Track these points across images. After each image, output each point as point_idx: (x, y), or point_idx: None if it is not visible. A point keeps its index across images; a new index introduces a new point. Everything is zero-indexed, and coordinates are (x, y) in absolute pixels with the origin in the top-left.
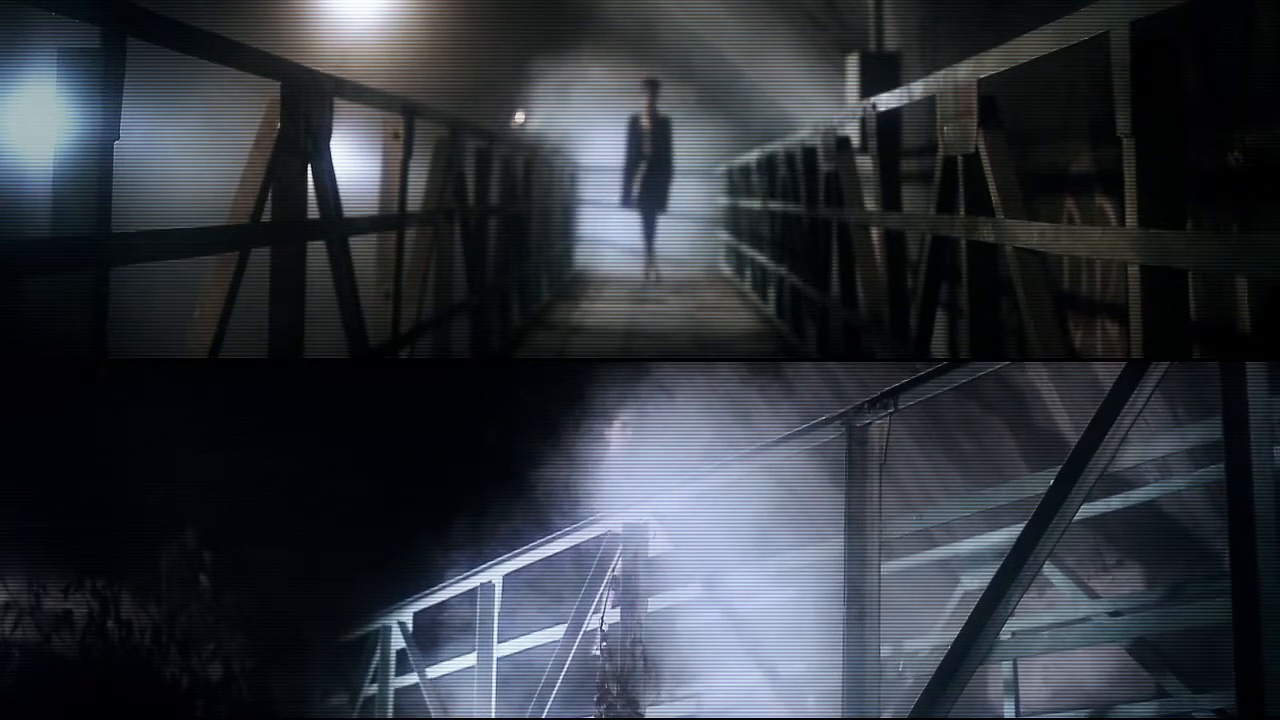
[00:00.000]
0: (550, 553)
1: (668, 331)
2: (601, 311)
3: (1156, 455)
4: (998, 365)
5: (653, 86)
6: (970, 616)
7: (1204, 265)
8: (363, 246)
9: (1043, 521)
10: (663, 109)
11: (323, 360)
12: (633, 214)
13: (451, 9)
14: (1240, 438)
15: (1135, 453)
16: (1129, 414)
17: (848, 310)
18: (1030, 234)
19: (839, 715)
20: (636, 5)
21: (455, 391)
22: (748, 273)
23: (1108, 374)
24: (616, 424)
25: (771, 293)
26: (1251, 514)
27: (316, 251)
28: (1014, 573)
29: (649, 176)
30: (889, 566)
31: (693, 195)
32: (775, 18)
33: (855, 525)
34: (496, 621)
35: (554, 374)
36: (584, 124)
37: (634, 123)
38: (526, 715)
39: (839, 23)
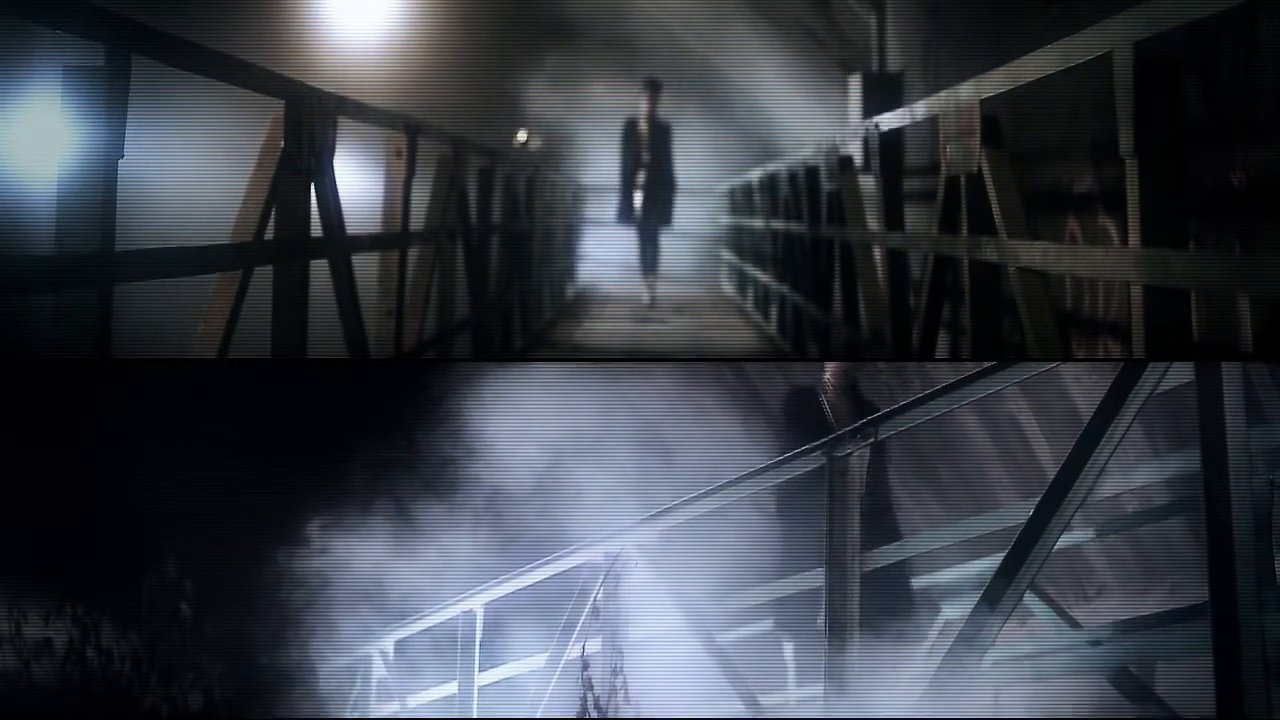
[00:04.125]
0: (532, 581)
1: (669, 350)
2: (603, 330)
3: (1136, 485)
4: (977, 396)
5: (654, 88)
6: (951, 645)
7: (1206, 284)
8: (365, 264)
9: (1024, 550)
10: (664, 118)
11: (323, 360)
12: (628, 228)
13: (455, 28)
14: (1216, 442)
15: (1115, 482)
16: (1123, 419)
17: (850, 329)
18: (1033, 253)
19: None
20: (638, 23)
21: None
22: (750, 291)
23: (1087, 405)
24: (828, 375)
25: (774, 311)
26: (1230, 539)
27: (319, 269)
28: (995, 602)
29: (649, 188)
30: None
31: (694, 214)
32: (778, 37)
33: (836, 554)
34: (478, 650)
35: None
36: (585, 141)
37: (631, 127)
38: (519, 717)
39: (841, 42)
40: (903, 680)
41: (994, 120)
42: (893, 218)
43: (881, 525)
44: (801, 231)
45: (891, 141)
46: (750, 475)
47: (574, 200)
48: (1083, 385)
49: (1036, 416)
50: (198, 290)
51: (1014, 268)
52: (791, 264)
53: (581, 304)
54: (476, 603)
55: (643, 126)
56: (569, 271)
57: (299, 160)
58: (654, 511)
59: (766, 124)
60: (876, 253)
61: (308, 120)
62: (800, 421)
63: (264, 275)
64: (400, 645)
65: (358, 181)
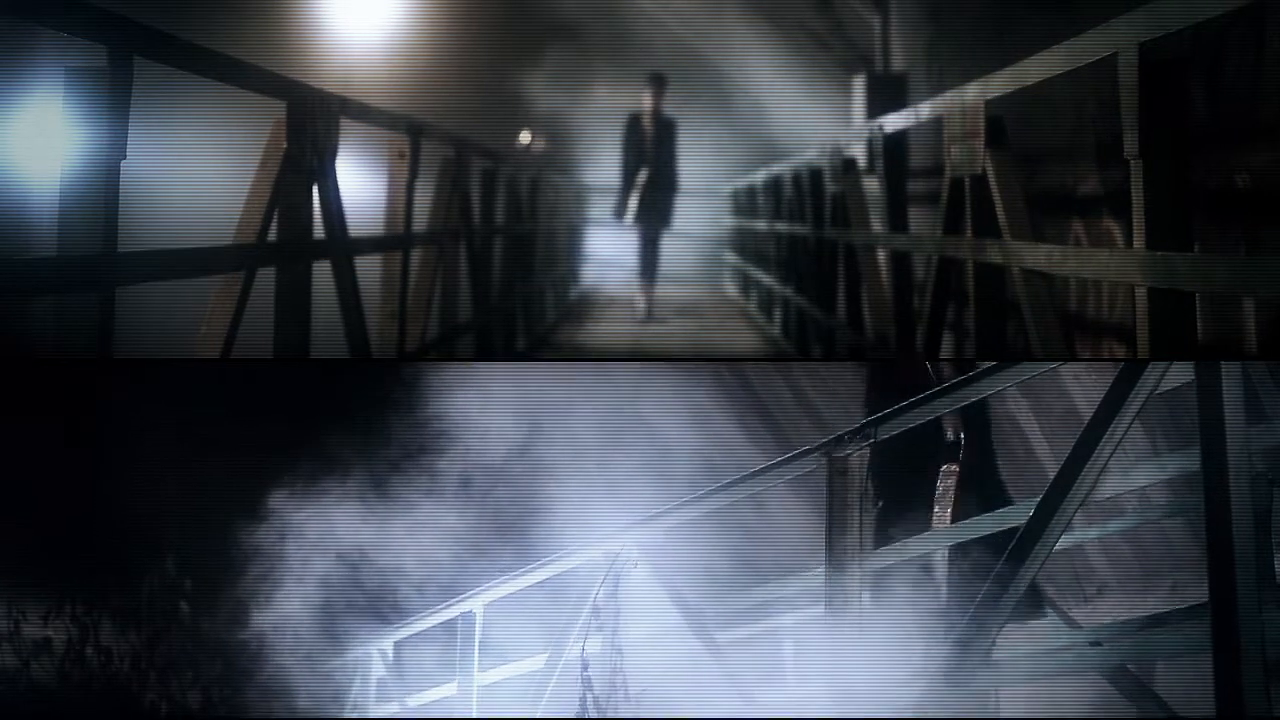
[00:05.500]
0: (533, 581)
1: (672, 352)
2: (606, 332)
3: (1136, 486)
4: (979, 396)
5: (658, 83)
6: (951, 645)
7: (1211, 287)
8: (368, 265)
9: (1024, 550)
10: (669, 115)
11: (325, 360)
12: (628, 229)
13: (458, 29)
14: (1216, 441)
15: (1116, 482)
16: (1123, 418)
17: (854, 332)
18: (1037, 255)
19: None
20: (642, 24)
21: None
22: (753, 294)
23: (1087, 404)
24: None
25: (777, 314)
26: (1230, 539)
27: (322, 270)
28: (995, 601)
29: (651, 187)
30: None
31: (698, 215)
32: (782, 38)
33: (837, 555)
34: (477, 650)
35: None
36: (589, 142)
37: (634, 123)
38: (520, 717)
39: (845, 43)
40: (903, 679)
41: (999, 121)
42: (897, 219)
43: (989, 492)
44: (805, 233)
45: (896, 143)
46: (751, 475)
47: (577, 201)
48: (1083, 385)
49: (1037, 416)
50: (203, 292)
51: (1018, 269)
52: (795, 266)
53: (585, 306)
54: (476, 603)
55: (646, 123)
56: (572, 273)
57: (302, 162)
58: (654, 511)
59: (770, 125)
60: (880, 255)
61: (310, 122)
62: (898, 391)
63: (267, 277)
64: (400, 645)
65: (360, 183)
